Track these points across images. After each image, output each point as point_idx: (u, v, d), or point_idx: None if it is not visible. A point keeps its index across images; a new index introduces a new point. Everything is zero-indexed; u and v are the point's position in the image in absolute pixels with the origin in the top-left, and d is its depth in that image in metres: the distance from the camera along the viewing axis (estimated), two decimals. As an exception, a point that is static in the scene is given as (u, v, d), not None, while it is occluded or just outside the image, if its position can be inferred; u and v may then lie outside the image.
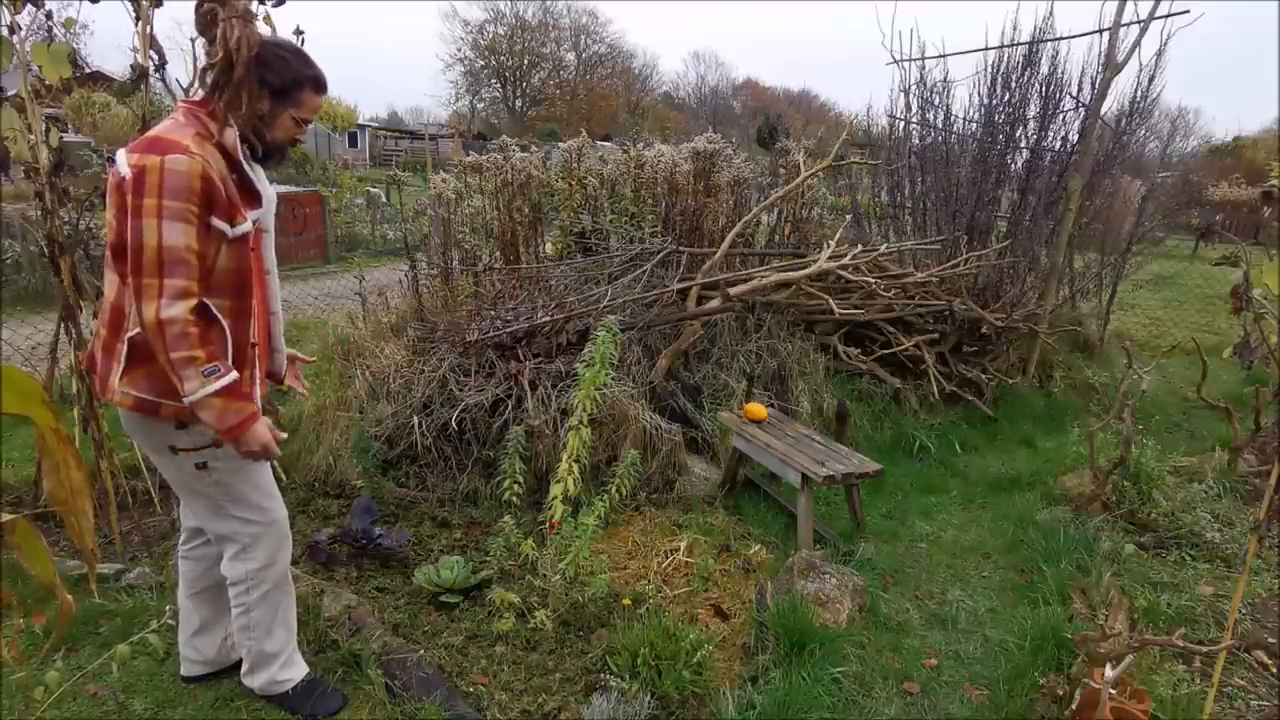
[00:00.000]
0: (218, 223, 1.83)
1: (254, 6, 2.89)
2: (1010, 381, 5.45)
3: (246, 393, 1.93)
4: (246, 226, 1.90)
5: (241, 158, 1.92)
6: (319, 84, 2.00)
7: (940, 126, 6.10)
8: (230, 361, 1.91)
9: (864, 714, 2.43)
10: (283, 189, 11.76)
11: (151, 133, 1.82)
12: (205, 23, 1.83)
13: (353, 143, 33.26)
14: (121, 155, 1.80)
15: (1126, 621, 2.74)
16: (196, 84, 1.92)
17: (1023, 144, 5.86)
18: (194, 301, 1.79)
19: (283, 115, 1.95)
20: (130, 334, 1.85)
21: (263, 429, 1.92)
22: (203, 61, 1.89)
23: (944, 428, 4.99)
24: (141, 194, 1.73)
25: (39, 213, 2.86)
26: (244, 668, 2.25)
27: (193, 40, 3.14)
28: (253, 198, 1.96)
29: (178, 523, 2.31)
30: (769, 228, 6.07)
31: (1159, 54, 5.63)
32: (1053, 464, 4.50)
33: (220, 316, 1.88)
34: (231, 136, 1.89)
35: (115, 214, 1.80)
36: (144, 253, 1.74)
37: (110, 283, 1.89)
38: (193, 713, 2.24)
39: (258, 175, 2.00)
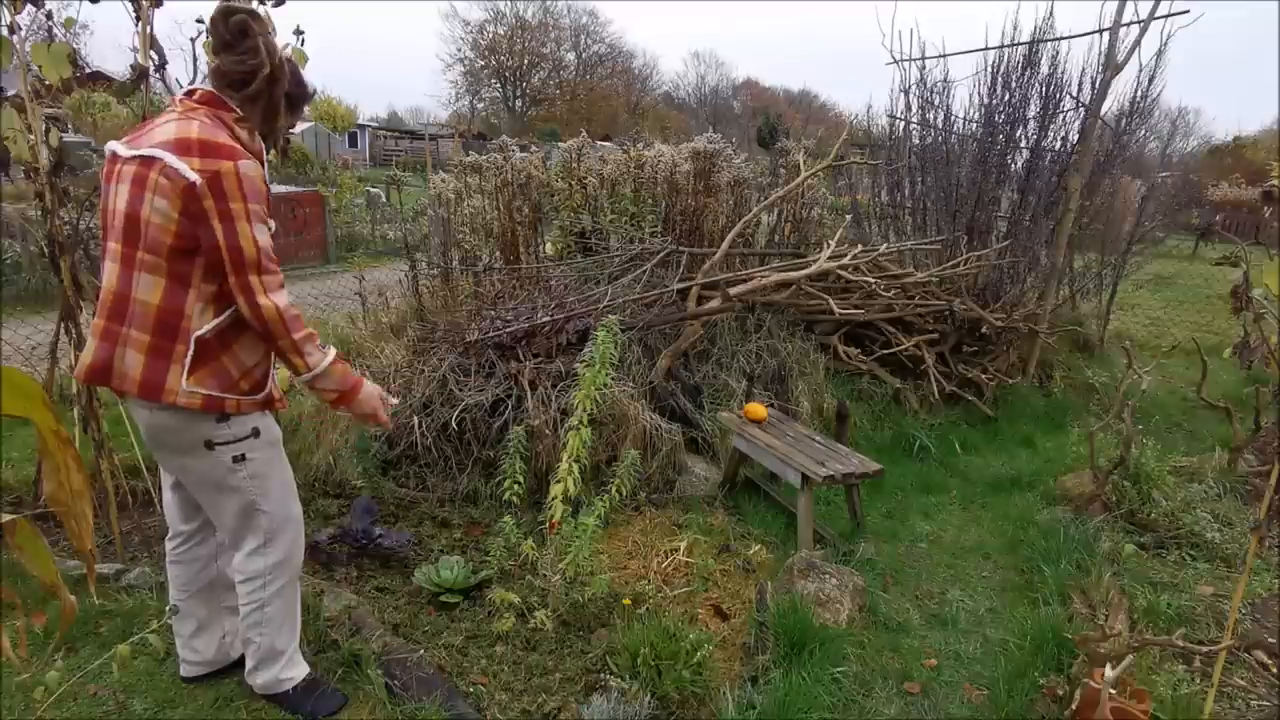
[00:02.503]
0: (271, 224, 1.96)
1: (254, 5, 2.91)
2: (1010, 381, 5.45)
3: (346, 362, 2.10)
4: (274, 226, 2.01)
5: (265, 162, 2.02)
6: (310, 97, 2.16)
7: (940, 126, 6.10)
8: (269, 360, 2.04)
9: (864, 714, 2.43)
10: (283, 189, 11.77)
11: (192, 134, 1.82)
12: (236, 34, 1.90)
13: (352, 143, 33.26)
14: (173, 159, 1.79)
15: (1126, 621, 2.74)
16: (207, 83, 1.95)
17: (1023, 144, 5.86)
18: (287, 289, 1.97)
19: (287, 126, 2.09)
20: (198, 333, 1.87)
21: (373, 386, 2.14)
22: (204, 64, 1.96)
23: (944, 428, 4.99)
24: (226, 199, 1.81)
25: (39, 213, 2.86)
26: (248, 665, 2.25)
27: (192, 40, 3.15)
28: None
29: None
30: (769, 228, 6.07)
31: (1159, 54, 5.64)
32: (1053, 464, 4.50)
33: None
34: (256, 144, 1.99)
35: (178, 220, 1.81)
36: (245, 254, 1.85)
37: (154, 285, 1.86)
38: (193, 713, 2.24)
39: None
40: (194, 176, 1.78)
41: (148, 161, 1.82)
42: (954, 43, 6.18)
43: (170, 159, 1.80)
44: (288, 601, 2.19)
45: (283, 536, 2.13)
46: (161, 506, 3.32)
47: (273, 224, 1.98)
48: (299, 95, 2.07)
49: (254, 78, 1.91)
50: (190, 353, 1.88)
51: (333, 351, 2.02)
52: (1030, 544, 3.47)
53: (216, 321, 1.90)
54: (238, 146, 1.87)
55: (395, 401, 2.20)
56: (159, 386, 1.88)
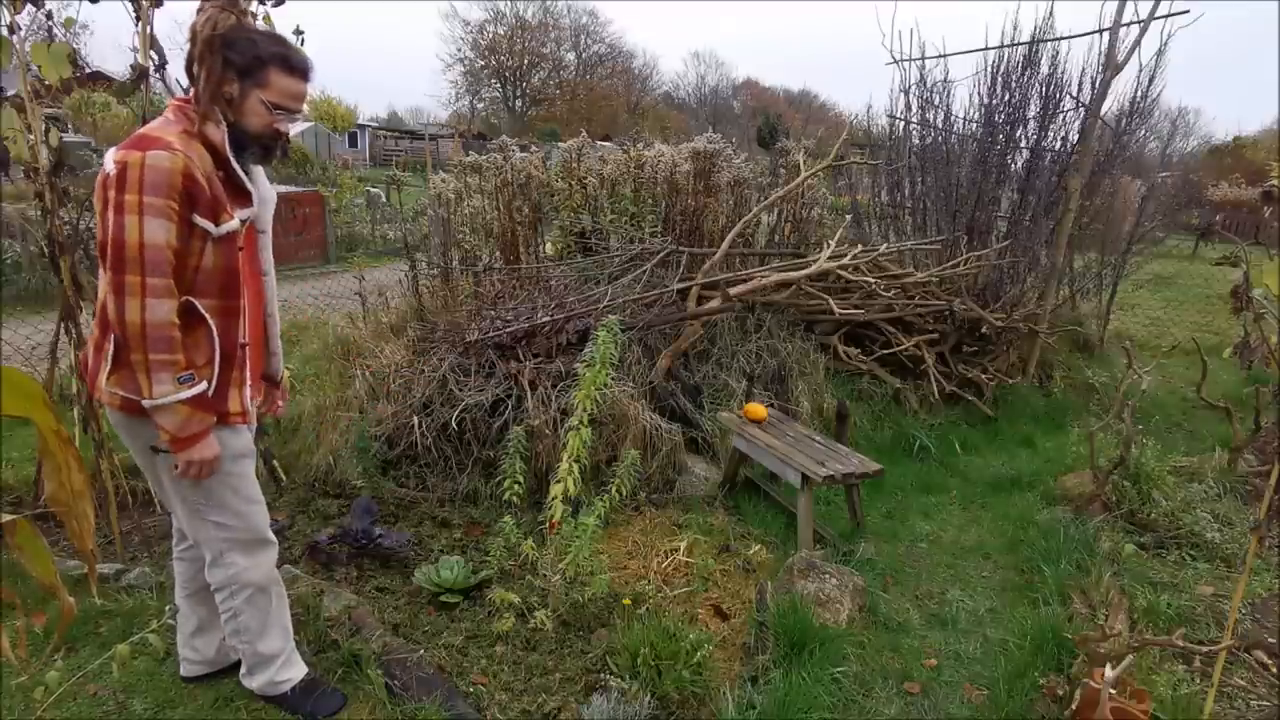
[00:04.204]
0: (201, 220, 1.81)
1: (254, 6, 2.90)
2: (1010, 381, 5.44)
3: (212, 403, 1.90)
4: (233, 225, 1.87)
5: (230, 155, 1.89)
6: (288, 63, 1.90)
7: (940, 126, 6.10)
8: (218, 362, 1.90)
9: (864, 714, 2.43)
10: (283, 189, 11.76)
11: (139, 131, 1.82)
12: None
13: (353, 143, 33.26)
14: (109, 154, 1.79)
15: (1126, 621, 2.74)
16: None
17: (1023, 144, 5.86)
18: (176, 302, 1.79)
19: (251, 98, 1.87)
20: (117, 331, 1.84)
21: (214, 444, 1.90)
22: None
23: (944, 428, 4.99)
24: (123, 190, 1.72)
25: (39, 213, 2.86)
26: (243, 668, 2.25)
27: (193, 40, 3.15)
28: (242, 196, 1.93)
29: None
30: (769, 228, 6.07)
31: (1159, 54, 5.64)
32: (1053, 464, 4.50)
33: (208, 316, 1.88)
34: (218, 133, 1.87)
35: (102, 212, 1.78)
36: (125, 249, 1.73)
37: (103, 281, 1.87)
38: (193, 713, 2.24)
39: (252, 175, 1.98)
40: (109, 168, 1.75)
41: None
42: (954, 43, 6.18)
43: (106, 155, 1.79)
44: (263, 611, 2.15)
45: (238, 549, 2.06)
46: (161, 506, 3.33)
47: (219, 224, 1.83)
48: (247, 64, 1.84)
49: None
50: (111, 350, 1.84)
51: (190, 392, 1.80)
52: (1030, 544, 3.47)
53: None
54: (164, 138, 1.76)
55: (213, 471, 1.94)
56: (94, 382, 1.90)
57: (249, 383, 2.01)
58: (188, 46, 1.84)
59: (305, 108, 2.07)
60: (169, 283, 1.77)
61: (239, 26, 1.87)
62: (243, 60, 1.85)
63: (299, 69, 1.93)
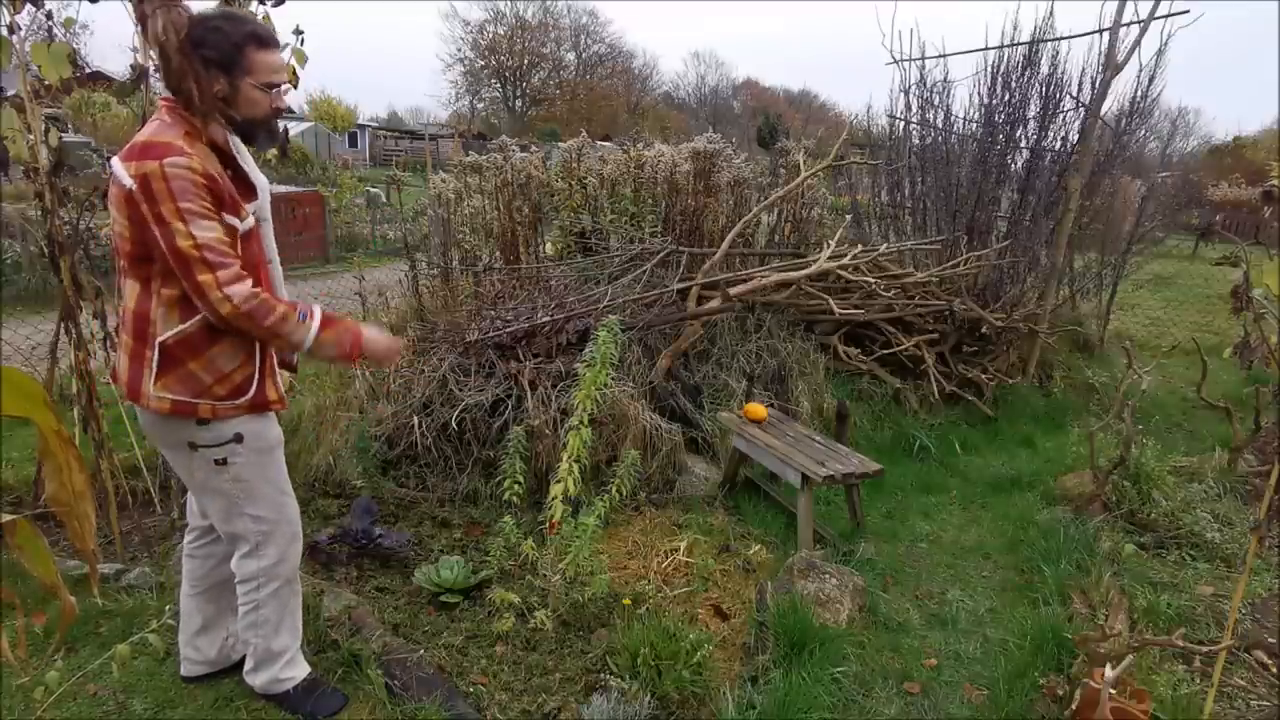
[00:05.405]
0: (228, 218, 1.84)
1: (254, 7, 2.90)
2: (1010, 381, 5.44)
3: (336, 320, 1.98)
4: (250, 221, 1.91)
5: (234, 152, 1.92)
6: (260, 39, 1.86)
7: (940, 126, 6.10)
8: (256, 354, 1.95)
9: (864, 714, 2.43)
10: (283, 189, 11.77)
11: (141, 137, 1.81)
12: (144, 26, 1.79)
13: (353, 143, 33.28)
14: (118, 165, 1.78)
15: (1126, 621, 2.74)
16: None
17: (1023, 144, 5.86)
18: (249, 278, 1.83)
19: (243, 89, 1.85)
20: (161, 338, 1.85)
21: (374, 332, 2.04)
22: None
23: (944, 428, 4.99)
24: (156, 201, 1.74)
25: (39, 213, 2.86)
26: (247, 665, 2.25)
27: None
28: (249, 190, 1.96)
29: (177, 522, 2.31)
30: (769, 228, 6.07)
31: (1159, 54, 5.64)
32: (1053, 464, 4.50)
33: None
34: (221, 134, 1.89)
35: (129, 226, 1.79)
36: (185, 255, 1.75)
37: (131, 291, 1.88)
38: (193, 713, 2.24)
39: (249, 166, 2.00)
40: (129, 183, 1.74)
41: (109, 170, 1.83)
42: (954, 43, 6.18)
43: (116, 167, 1.78)
44: (284, 604, 2.18)
45: (274, 541, 2.10)
46: (161, 506, 3.33)
47: (243, 220, 1.87)
48: (223, 57, 1.81)
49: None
50: (155, 358, 1.86)
51: (316, 319, 1.91)
52: (1030, 544, 3.47)
53: (181, 328, 1.84)
54: (174, 143, 1.76)
55: (404, 343, 2.15)
56: (137, 389, 1.90)
57: (276, 371, 2.07)
58: (160, 63, 1.80)
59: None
60: (235, 268, 1.80)
61: (194, 20, 1.80)
62: (221, 55, 1.81)
63: (270, 40, 1.90)
